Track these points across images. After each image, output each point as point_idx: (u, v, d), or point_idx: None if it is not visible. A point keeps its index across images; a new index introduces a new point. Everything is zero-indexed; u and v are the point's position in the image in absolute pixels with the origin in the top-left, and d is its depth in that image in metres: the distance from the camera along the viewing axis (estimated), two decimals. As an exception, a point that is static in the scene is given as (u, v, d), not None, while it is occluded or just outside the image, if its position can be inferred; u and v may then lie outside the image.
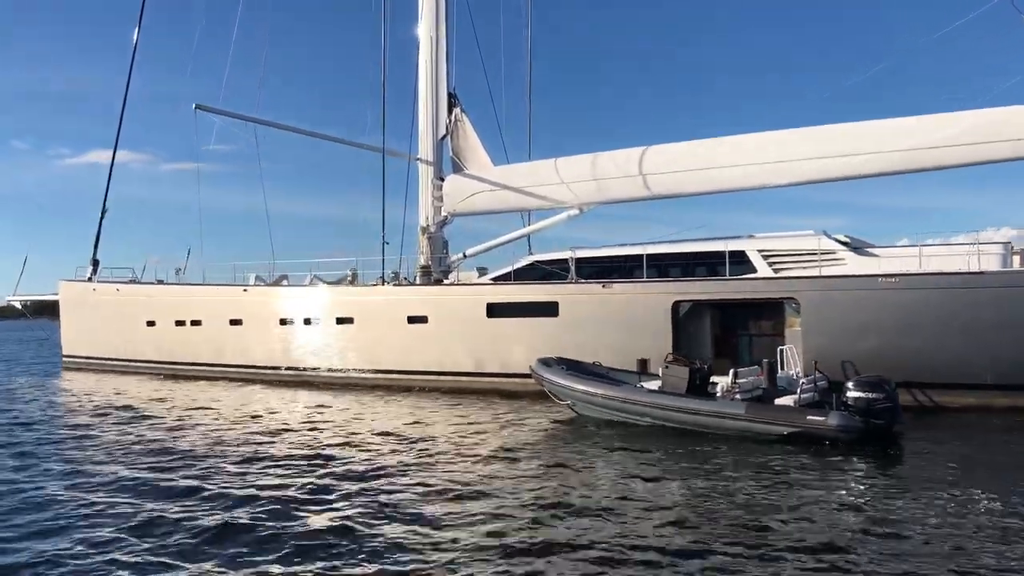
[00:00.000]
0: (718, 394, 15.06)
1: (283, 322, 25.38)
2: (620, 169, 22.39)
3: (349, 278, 26.31)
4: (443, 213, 26.07)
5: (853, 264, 18.24)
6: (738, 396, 14.78)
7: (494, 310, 21.40)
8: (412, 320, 22.70)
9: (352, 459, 12.44)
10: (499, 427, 15.69)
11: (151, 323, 28.81)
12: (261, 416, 17.62)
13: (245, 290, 26.61)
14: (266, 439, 14.49)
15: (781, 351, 16.63)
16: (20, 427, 16.45)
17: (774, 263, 19.02)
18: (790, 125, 20.54)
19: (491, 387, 21.06)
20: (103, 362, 30.65)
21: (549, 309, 20.58)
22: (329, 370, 24.29)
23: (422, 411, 18.09)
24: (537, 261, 21.85)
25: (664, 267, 20.29)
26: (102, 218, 30.24)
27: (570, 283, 20.65)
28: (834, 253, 18.52)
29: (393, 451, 13.16)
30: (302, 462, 12.24)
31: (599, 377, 16.71)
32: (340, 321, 24.09)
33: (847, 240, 19.04)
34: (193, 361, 27.48)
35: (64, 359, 32.68)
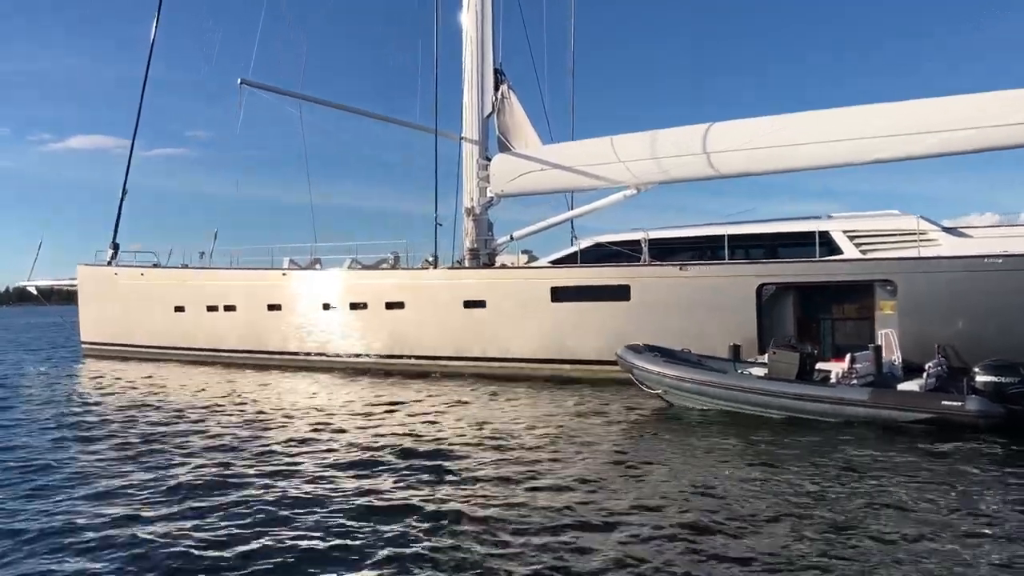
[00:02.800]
0: (831, 380, 14.33)
1: (326, 307, 24.38)
2: (682, 147, 21.50)
3: (392, 262, 25.38)
4: (489, 194, 25.09)
5: (947, 245, 17.48)
6: (855, 382, 14.04)
7: (559, 294, 20.51)
8: (469, 304, 21.78)
9: (484, 458, 11.45)
10: (594, 418, 14.76)
11: (180, 308, 27.72)
12: (340, 410, 16.66)
13: (284, 274, 25.58)
14: (377, 435, 13.57)
15: (883, 335, 15.89)
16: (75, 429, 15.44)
17: (861, 244, 18.24)
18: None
19: (554, 374, 20.20)
20: (126, 348, 29.53)
21: (620, 293, 19.71)
22: (378, 357, 23.32)
23: (498, 401, 17.14)
24: (603, 242, 20.95)
25: (744, 249, 19.47)
26: (122, 201, 29.12)
27: (643, 265, 19.79)
28: (925, 234, 17.77)
29: (499, 447, 12.13)
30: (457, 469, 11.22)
31: (693, 364, 15.89)
32: (390, 306, 23.12)
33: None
34: (228, 348, 26.44)
35: (84, 346, 31.49)
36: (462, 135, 25.37)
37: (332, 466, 10.79)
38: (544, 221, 24.48)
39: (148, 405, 17.01)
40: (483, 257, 24.22)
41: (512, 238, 24.90)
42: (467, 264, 23.70)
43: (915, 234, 17.71)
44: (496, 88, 25.36)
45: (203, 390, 19.70)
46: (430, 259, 24.30)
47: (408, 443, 12.44)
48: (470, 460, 11.17)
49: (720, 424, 13.62)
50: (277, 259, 26.71)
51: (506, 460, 11.15)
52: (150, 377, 22.77)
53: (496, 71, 25.47)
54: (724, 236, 19.14)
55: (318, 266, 26.48)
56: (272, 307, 25.47)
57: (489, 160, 25.16)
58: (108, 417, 15.48)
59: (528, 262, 23.72)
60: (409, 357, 22.67)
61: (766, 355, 17.37)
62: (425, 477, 10.13)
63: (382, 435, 13.18)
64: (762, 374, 14.78)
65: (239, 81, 21.37)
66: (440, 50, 23.66)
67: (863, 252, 18.15)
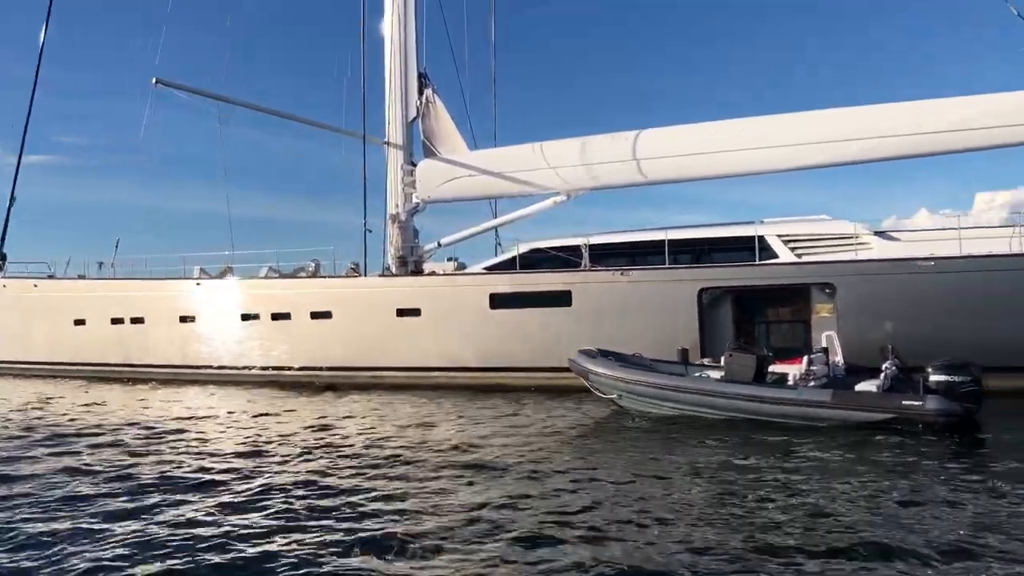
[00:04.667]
0: (789, 382, 14.53)
1: (245, 317, 23.25)
2: (612, 153, 21.55)
3: (311, 270, 24.47)
4: (415, 200, 24.51)
5: (879, 249, 18.10)
6: (812, 383, 14.27)
7: (498, 301, 20.16)
8: (402, 313, 21.16)
9: (429, 466, 11.06)
10: (544, 426, 14.52)
11: (80, 322, 25.91)
12: (258, 426, 15.83)
13: (198, 283, 24.26)
14: (315, 450, 12.85)
15: (827, 337, 16.24)
16: None
17: (796, 248, 18.67)
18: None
19: (496, 382, 19.83)
20: (19, 366, 27.38)
21: (561, 299, 19.54)
22: (302, 369, 22.37)
23: (431, 410, 16.80)
24: (541, 248, 20.74)
25: (684, 254, 19.63)
26: (10, 209, 27.10)
27: (584, 271, 19.67)
28: (859, 237, 18.33)
29: (444, 456, 11.79)
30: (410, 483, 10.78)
31: (646, 368, 15.84)
32: (316, 316, 22.22)
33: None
34: (136, 362, 24.85)
35: None
36: (386, 140, 24.71)
37: (261, 488, 9.96)
38: (473, 227, 24.14)
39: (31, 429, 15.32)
40: (410, 264, 23.63)
41: (440, 244, 24.44)
42: (395, 271, 23.06)
43: (848, 238, 18.27)
44: (420, 92, 24.81)
45: (96, 405, 18.43)
46: (353, 266, 23.57)
47: (349, 453, 12.01)
48: (410, 471, 10.77)
49: (677, 427, 13.64)
50: (187, 269, 25.36)
51: (454, 467, 10.91)
52: (43, 396, 21.05)
53: (420, 75, 24.93)
54: (665, 241, 19.25)
55: (230, 275, 25.23)
56: (185, 319, 24.12)
57: (414, 165, 24.60)
58: None
59: (457, 269, 23.29)
60: (338, 369, 21.83)
61: (708, 358, 17.67)
62: (353, 490, 9.69)
63: (315, 451, 12.49)
64: (718, 377, 14.86)
65: (154, 80, 20.12)
66: (366, 55, 23.13)
67: (798, 256, 18.58)
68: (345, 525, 8.15)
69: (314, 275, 24.13)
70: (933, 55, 62.56)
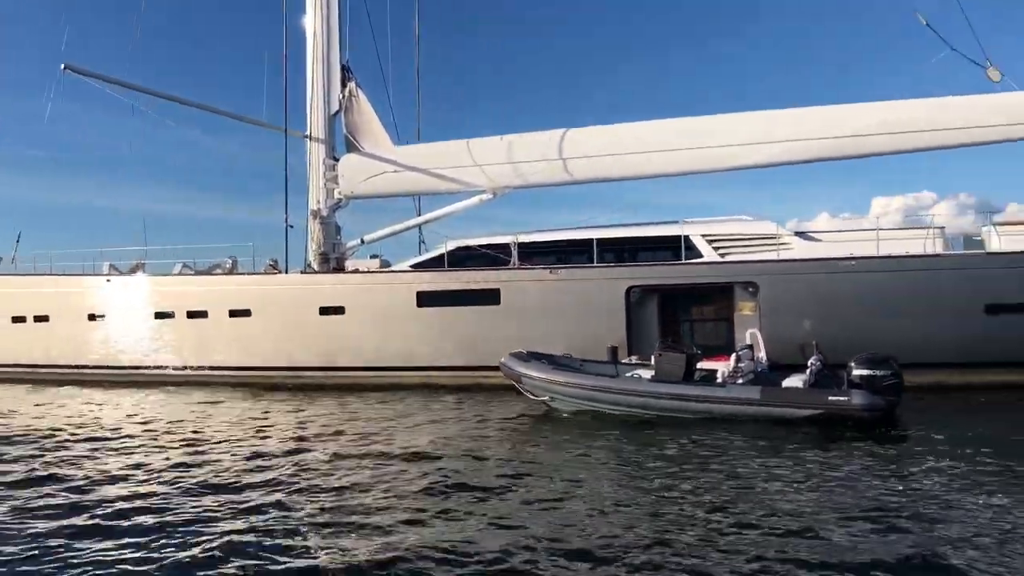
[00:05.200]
0: (718, 379, 14.75)
1: (160, 316, 22.37)
2: (539, 152, 21.52)
3: (228, 267, 23.72)
4: (338, 195, 23.97)
5: (799, 248, 18.57)
6: (740, 381, 14.52)
7: (426, 299, 19.93)
8: (326, 311, 20.70)
9: (351, 469, 10.82)
10: (471, 426, 14.42)
11: None
12: (174, 430, 15.23)
13: (108, 280, 23.23)
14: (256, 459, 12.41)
15: (751, 334, 16.56)
16: None
17: (719, 248, 19.01)
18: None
19: (423, 382, 19.61)
20: None
21: (490, 297, 19.43)
22: (220, 369, 21.63)
23: (356, 410, 16.52)
24: (470, 245, 20.56)
25: (611, 252, 19.74)
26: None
27: (513, 269, 19.59)
28: (780, 237, 18.77)
29: (368, 459, 11.54)
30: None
31: (576, 369, 15.85)
32: (235, 314, 21.54)
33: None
34: (39, 363, 23.64)
35: None
36: (307, 133, 24.11)
37: (174, 493, 9.67)
38: (398, 224, 23.76)
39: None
40: (332, 262, 23.14)
41: (363, 241, 23.95)
42: (317, 269, 22.54)
43: (770, 238, 18.69)
44: (343, 85, 24.28)
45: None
46: (272, 263, 22.95)
47: (269, 454, 11.63)
48: (328, 474, 10.55)
49: (606, 427, 13.66)
50: (96, 265, 24.24)
51: (382, 468, 10.73)
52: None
53: (343, 68, 24.38)
54: (593, 240, 19.33)
55: (141, 272, 24.24)
56: (94, 317, 23.06)
57: (337, 160, 24.08)
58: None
59: (381, 267, 22.92)
60: (259, 369, 21.22)
61: (635, 356, 17.83)
62: (263, 494, 9.49)
63: (229, 454, 12.09)
64: (649, 376, 14.97)
65: (62, 67, 19.14)
66: (288, 47, 22.55)
67: (721, 255, 18.92)
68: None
69: (231, 272, 23.41)
70: (848, 65, 64.48)
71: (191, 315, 22.03)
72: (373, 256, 24.18)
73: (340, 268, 23.05)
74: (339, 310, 20.62)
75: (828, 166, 20.51)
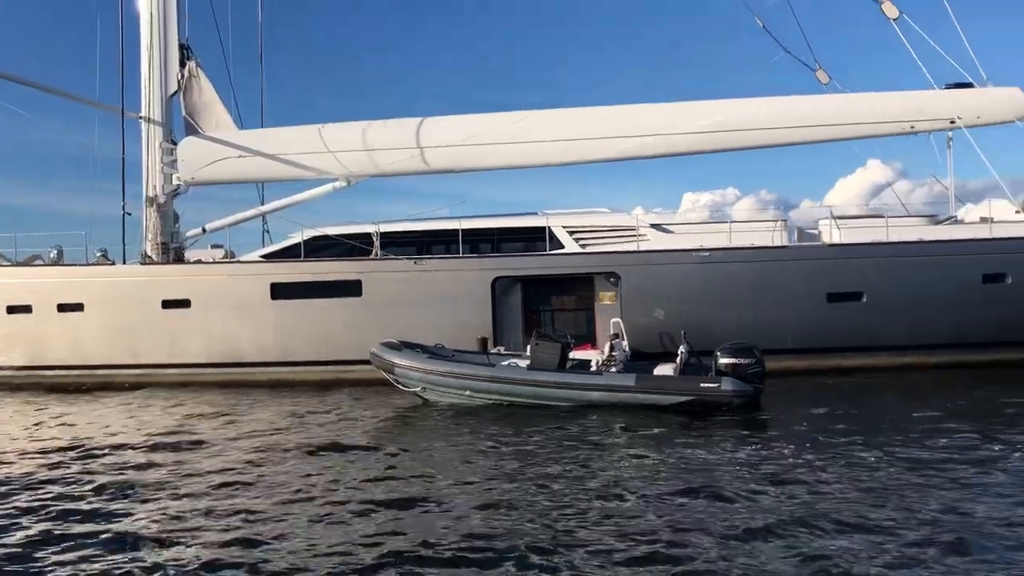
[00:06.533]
0: (592, 368, 14.99)
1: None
2: (396, 140, 21.09)
3: (53, 257, 21.65)
4: (177, 181, 22.41)
5: (655, 240, 19.18)
6: (614, 369, 14.82)
7: (281, 291, 19.03)
8: (169, 305, 19.35)
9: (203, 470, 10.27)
10: (341, 422, 14.01)
11: None
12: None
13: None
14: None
15: (614, 323, 16.94)
16: None
17: (580, 239, 19.33)
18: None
19: (280, 378, 18.75)
20: None
21: (351, 288, 18.82)
22: (49, 368, 19.76)
23: (195, 409, 15.66)
24: (329, 235, 19.79)
25: (475, 243, 19.61)
26: None
27: (375, 259, 19.05)
28: (636, 229, 19.31)
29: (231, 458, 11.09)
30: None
31: (450, 359, 15.65)
32: (64, 308, 19.71)
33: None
34: None
35: None
36: (141, 114, 22.40)
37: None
38: (244, 212, 22.57)
39: None
40: (171, 252, 21.65)
41: (204, 230, 22.56)
42: (155, 259, 21.01)
43: (629, 229, 19.20)
44: (182, 64, 22.73)
45: None
46: (102, 253, 21.18)
47: (111, 461, 10.99)
48: (177, 476, 10.05)
49: (480, 417, 13.67)
50: None
51: (237, 471, 10.25)
52: None
53: (182, 46, 22.80)
54: (459, 231, 19.14)
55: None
56: None
57: (176, 144, 22.53)
58: None
59: (225, 257, 21.70)
60: (94, 367, 19.53)
61: (501, 347, 17.85)
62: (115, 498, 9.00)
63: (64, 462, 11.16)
64: (524, 365, 14.99)
65: None
66: (124, 21, 20.93)
67: (582, 246, 19.26)
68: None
69: (56, 263, 21.39)
70: (688, 61, 67.19)
71: (12, 310, 19.96)
72: (215, 246, 22.91)
73: (180, 259, 21.64)
74: (184, 303, 19.35)
75: (641, 162, 21.42)
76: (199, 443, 12.19)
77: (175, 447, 11.88)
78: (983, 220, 19.38)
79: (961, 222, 19.92)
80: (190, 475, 10.02)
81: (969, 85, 19.25)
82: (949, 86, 19.47)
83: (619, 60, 66.25)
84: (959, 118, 18.98)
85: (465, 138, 20.65)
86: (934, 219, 19.64)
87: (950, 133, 19.82)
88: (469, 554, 6.77)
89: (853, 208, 21.22)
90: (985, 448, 10.30)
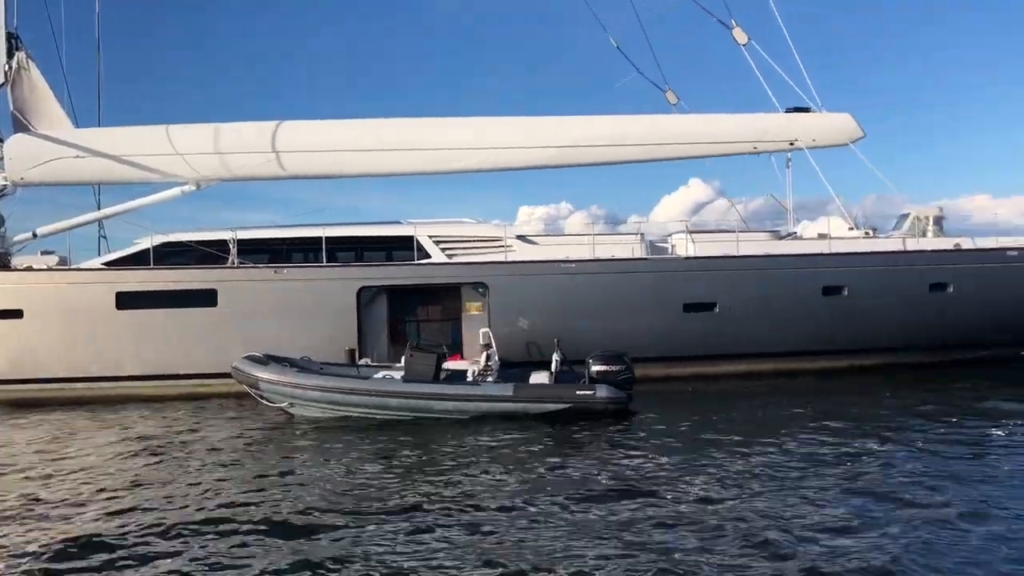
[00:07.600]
0: (468, 378, 14.89)
1: None
2: (250, 144, 20.24)
3: None
4: (3, 181, 20.50)
5: (521, 251, 19.35)
6: (490, 379, 14.80)
7: (127, 300, 17.79)
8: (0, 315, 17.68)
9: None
10: (195, 441, 13.15)
11: None
12: None
13: None
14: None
15: (483, 333, 16.93)
16: None
17: (446, 249, 19.22)
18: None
19: (127, 393, 17.50)
20: None
21: (205, 298, 17.84)
22: None
23: (62, 431, 14.40)
24: (181, 241, 18.67)
25: (338, 252, 19.07)
26: None
27: (232, 268, 18.15)
28: (503, 240, 19.42)
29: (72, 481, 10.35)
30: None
31: (317, 372, 15.11)
32: None
33: None
34: None
35: None
36: (-41, 107, 20.40)
37: None
38: (80, 217, 20.91)
39: None
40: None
41: (35, 235, 20.69)
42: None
43: (496, 240, 19.28)
44: (10, 55, 20.86)
45: None
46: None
47: None
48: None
49: (351, 433, 13.28)
50: None
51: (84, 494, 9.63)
52: None
53: (10, 35, 20.90)
54: (322, 238, 18.56)
55: None
56: None
57: (2, 141, 20.64)
58: None
59: (59, 264, 20.06)
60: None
61: (366, 359, 17.47)
62: None
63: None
64: (398, 377, 14.71)
65: None
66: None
67: (448, 256, 19.15)
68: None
69: None
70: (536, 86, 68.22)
71: None
72: (46, 252, 21.08)
73: (6, 265, 19.81)
74: (16, 313, 17.73)
75: (479, 175, 21.70)
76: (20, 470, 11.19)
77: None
78: (821, 236, 20.81)
79: (801, 238, 21.29)
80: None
81: (807, 109, 20.66)
82: (789, 110, 20.82)
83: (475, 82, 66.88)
84: (798, 140, 20.35)
85: (323, 144, 20.13)
86: (776, 234, 20.89)
87: (789, 154, 21.24)
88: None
89: (676, 224, 21.80)
90: (823, 450, 10.98)
